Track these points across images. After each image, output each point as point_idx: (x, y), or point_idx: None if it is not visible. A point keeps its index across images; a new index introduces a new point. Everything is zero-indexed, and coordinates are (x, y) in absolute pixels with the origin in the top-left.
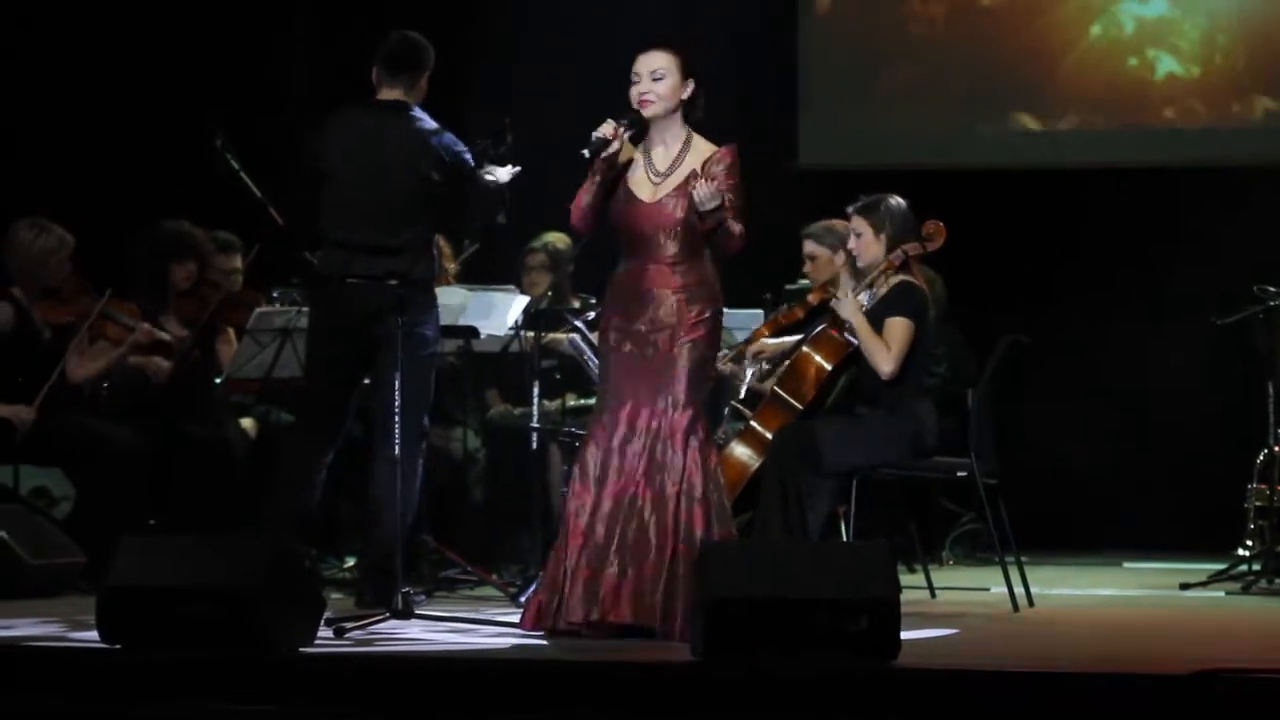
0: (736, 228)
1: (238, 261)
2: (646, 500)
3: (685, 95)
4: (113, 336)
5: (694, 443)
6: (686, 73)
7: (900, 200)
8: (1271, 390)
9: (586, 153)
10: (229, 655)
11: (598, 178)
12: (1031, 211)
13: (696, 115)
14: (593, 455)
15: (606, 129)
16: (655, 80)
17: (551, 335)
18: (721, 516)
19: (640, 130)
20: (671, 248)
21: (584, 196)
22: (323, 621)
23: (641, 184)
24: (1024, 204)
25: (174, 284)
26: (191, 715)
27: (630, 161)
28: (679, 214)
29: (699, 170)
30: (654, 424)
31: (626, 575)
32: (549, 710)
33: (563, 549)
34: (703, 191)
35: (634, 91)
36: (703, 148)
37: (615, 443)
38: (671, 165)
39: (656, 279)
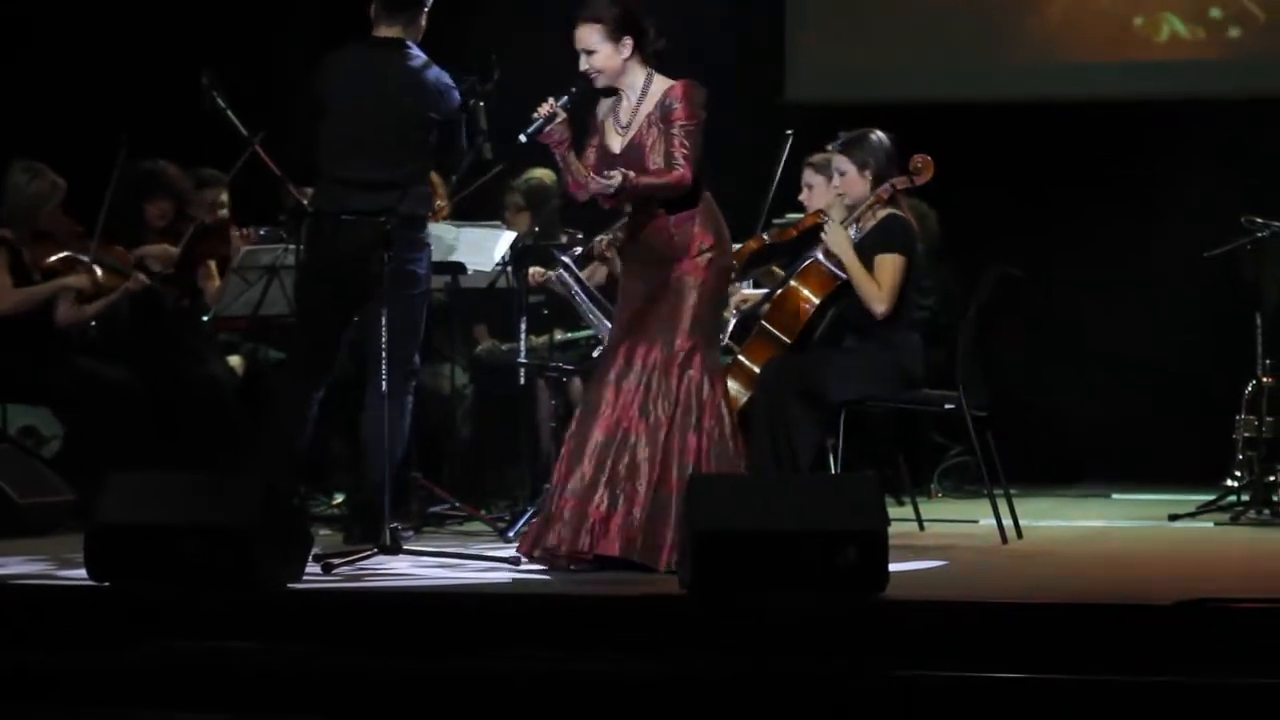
0: (660, 180)
1: (224, 195)
2: (639, 433)
3: (625, 55)
4: (105, 282)
5: (690, 374)
6: (620, 33)
7: (882, 135)
8: (1259, 321)
9: (523, 137)
10: (217, 592)
11: (557, 155)
12: (1019, 145)
13: (653, 51)
14: (595, 390)
15: (543, 108)
16: (589, 55)
17: (538, 271)
18: (722, 453)
19: (583, 95)
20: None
21: (564, 174)
22: (311, 558)
23: (612, 138)
24: (1012, 137)
25: (149, 223)
26: (179, 652)
27: (603, 126)
28: (649, 159)
29: (653, 114)
30: (651, 358)
31: (616, 508)
32: (537, 645)
33: (555, 479)
34: (595, 188)
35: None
36: (659, 87)
37: (612, 376)
38: (633, 114)
39: (654, 222)
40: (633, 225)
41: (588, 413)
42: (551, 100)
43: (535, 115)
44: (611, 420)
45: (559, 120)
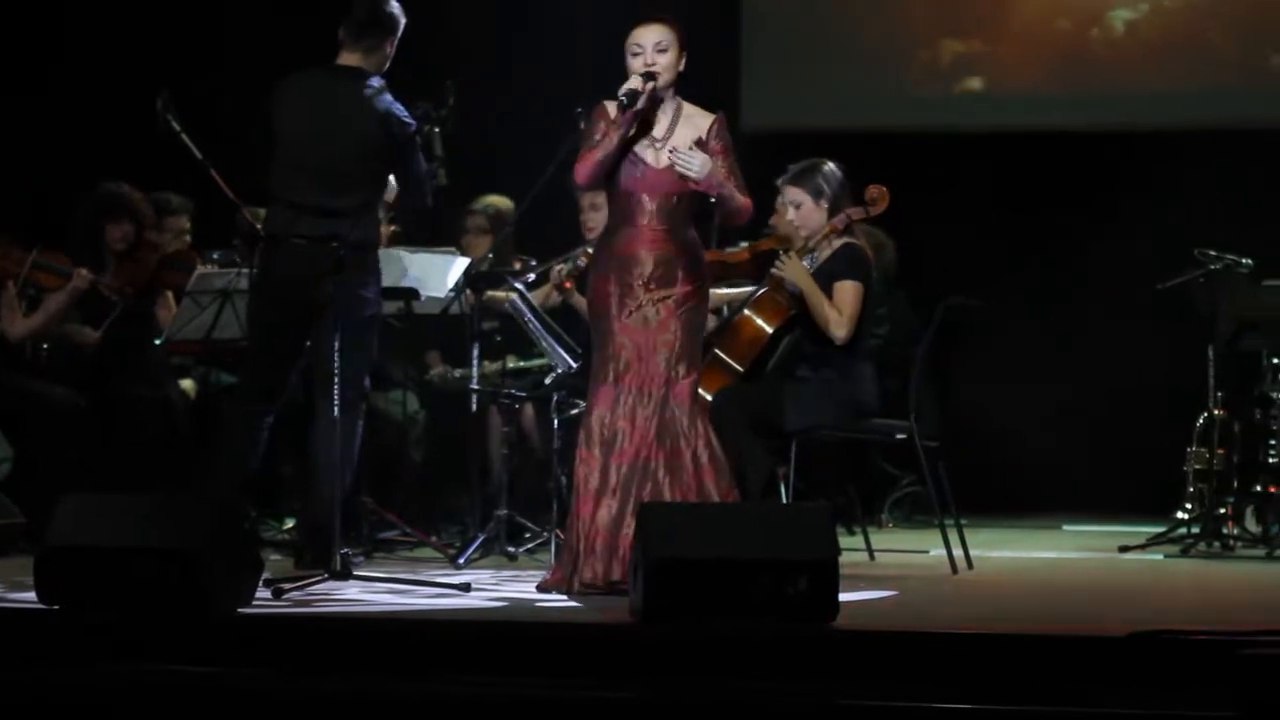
0: (743, 199)
1: (185, 222)
2: (659, 462)
3: (681, 67)
4: (50, 285)
5: (699, 403)
6: (682, 44)
7: (833, 165)
8: (1211, 354)
9: (624, 100)
10: (167, 616)
11: (623, 131)
12: (973, 175)
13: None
14: (598, 420)
15: (635, 82)
16: (660, 52)
17: (491, 295)
18: (726, 475)
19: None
20: (669, 213)
21: (599, 152)
22: (261, 582)
23: (646, 150)
24: (966, 168)
25: (110, 245)
26: (129, 676)
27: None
28: (681, 179)
29: (704, 138)
30: (662, 389)
31: None
32: (487, 671)
33: (575, 515)
34: (695, 168)
35: (637, 63)
36: (695, 114)
37: (624, 409)
38: (667, 131)
39: (652, 243)
40: (626, 240)
41: (603, 445)
42: (639, 76)
43: (629, 87)
44: (631, 451)
45: (642, 99)
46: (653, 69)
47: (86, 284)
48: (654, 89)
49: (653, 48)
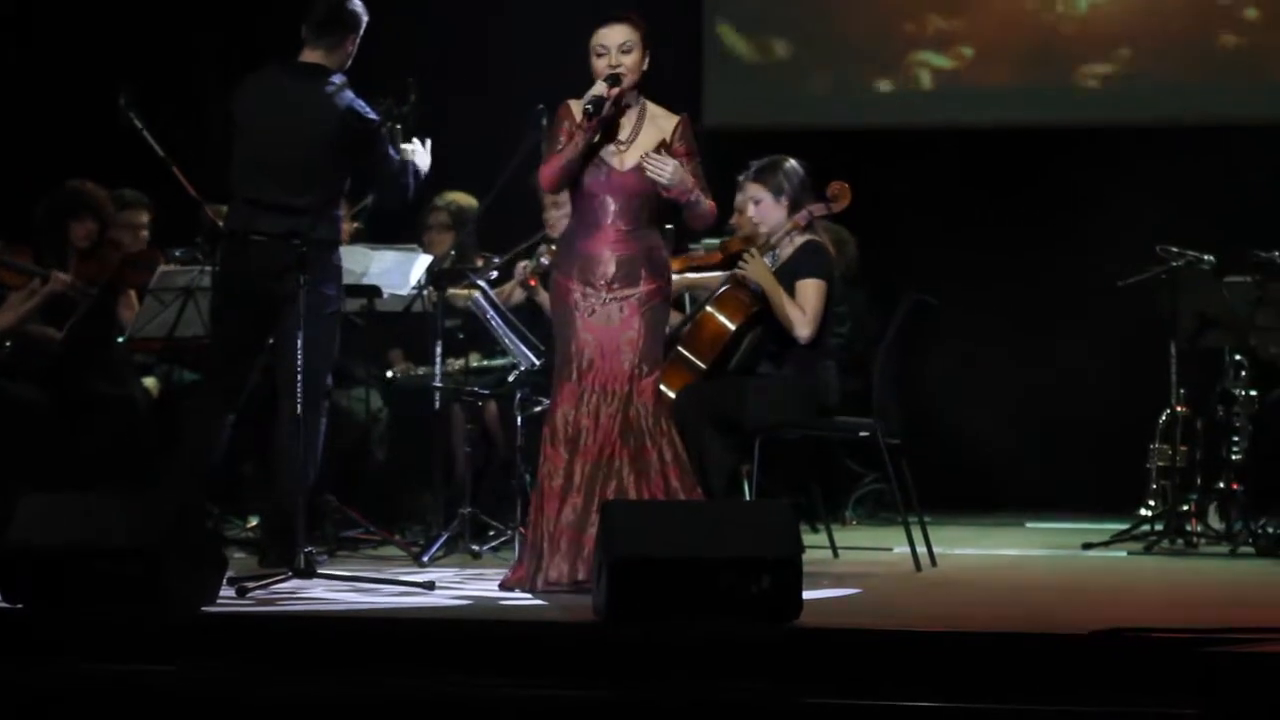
0: (709, 202)
1: (144, 217)
2: (624, 460)
3: (645, 66)
4: (15, 284)
5: (663, 400)
6: (647, 45)
7: (794, 162)
8: (1174, 351)
9: (590, 108)
10: (130, 614)
11: (587, 137)
12: (935, 171)
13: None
14: (562, 418)
15: (600, 89)
16: (625, 53)
17: (453, 293)
18: (690, 473)
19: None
20: (632, 214)
21: (563, 157)
22: (225, 580)
23: (610, 152)
24: (929, 163)
25: (73, 243)
26: (93, 674)
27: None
28: (645, 182)
29: (668, 141)
30: (626, 387)
31: None
32: (450, 670)
33: (539, 513)
34: (666, 175)
35: (601, 64)
36: (660, 115)
37: (588, 407)
38: (632, 133)
39: (617, 244)
40: (591, 241)
41: (567, 444)
42: (604, 83)
43: (594, 94)
44: (595, 449)
45: (608, 106)
46: (618, 71)
47: (62, 287)
48: (620, 94)
49: (617, 49)
